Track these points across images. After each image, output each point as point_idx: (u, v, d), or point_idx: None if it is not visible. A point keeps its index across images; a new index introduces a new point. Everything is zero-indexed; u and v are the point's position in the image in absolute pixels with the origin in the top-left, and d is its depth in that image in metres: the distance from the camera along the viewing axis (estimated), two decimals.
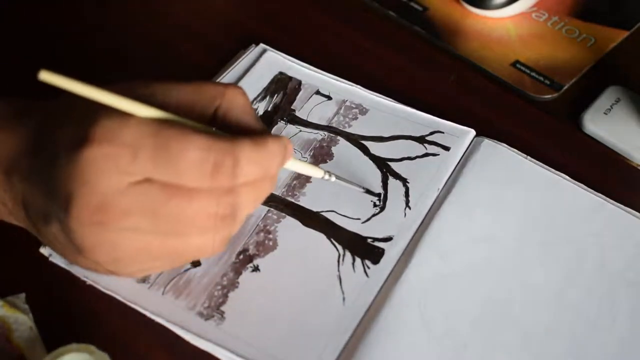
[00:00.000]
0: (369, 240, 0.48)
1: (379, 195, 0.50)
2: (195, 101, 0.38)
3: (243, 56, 0.58)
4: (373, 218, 0.49)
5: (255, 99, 0.55)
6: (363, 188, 0.50)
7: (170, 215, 0.36)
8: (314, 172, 0.45)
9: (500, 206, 0.50)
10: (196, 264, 0.46)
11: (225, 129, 0.39)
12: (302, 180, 0.51)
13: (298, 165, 0.45)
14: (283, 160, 0.39)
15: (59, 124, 0.37)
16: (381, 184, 0.51)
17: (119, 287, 0.44)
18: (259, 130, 0.39)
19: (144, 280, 0.45)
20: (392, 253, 0.47)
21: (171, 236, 0.37)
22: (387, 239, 0.48)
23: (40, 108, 0.40)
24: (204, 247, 0.38)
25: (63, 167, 0.35)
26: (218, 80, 0.56)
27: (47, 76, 0.33)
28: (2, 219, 0.42)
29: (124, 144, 0.34)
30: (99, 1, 0.64)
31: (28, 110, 0.40)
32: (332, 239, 0.48)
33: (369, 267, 0.47)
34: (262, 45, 0.59)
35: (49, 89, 0.34)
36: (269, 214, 0.49)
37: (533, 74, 0.60)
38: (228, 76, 0.56)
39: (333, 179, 0.46)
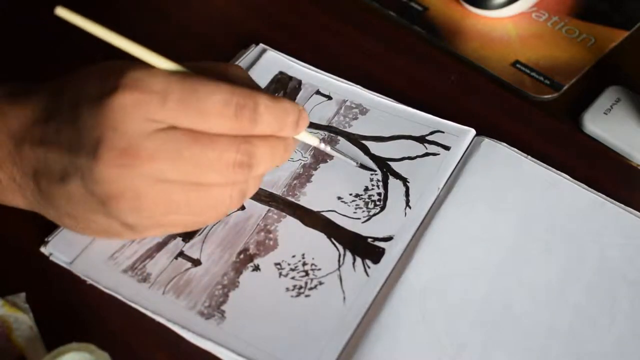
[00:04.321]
0: (370, 239, 0.48)
1: (374, 170, 0.51)
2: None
3: (243, 56, 0.58)
4: (373, 218, 0.49)
5: None
6: (357, 162, 0.51)
7: (193, 159, 0.38)
8: (312, 140, 0.47)
9: (500, 205, 0.50)
10: (197, 263, 0.46)
11: None
12: (302, 180, 0.51)
13: (303, 135, 0.46)
14: (296, 123, 0.41)
15: (79, 86, 0.39)
16: (381, 183, 0.51)
17: (119, 287, 0.44)
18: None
19: (144, 279, 0.45)
20: (392, 252, 0.47)
21: (193, 185, 0.39)
22: (388, 239, 0.48)
23: (48, 85, 0.42)
24: (222, 200, 0.41)
25: (90, 117, 0.38)
26: None
27: (63, 12, 0.36)
28: (7, 202, 0.43)
29: (153, 91, 0.37)
30: (100, 1, 0.64)
31: (35, 89, 0.42)
32: (332, 239, 0.48)
33: (369, 267, 0.47)
34: (262, 45, 0.59)
35: None
36: (270, 214, 0.49)
37: (533, 74, 0.60)
38: None
39: (329, 149, 0.48)
